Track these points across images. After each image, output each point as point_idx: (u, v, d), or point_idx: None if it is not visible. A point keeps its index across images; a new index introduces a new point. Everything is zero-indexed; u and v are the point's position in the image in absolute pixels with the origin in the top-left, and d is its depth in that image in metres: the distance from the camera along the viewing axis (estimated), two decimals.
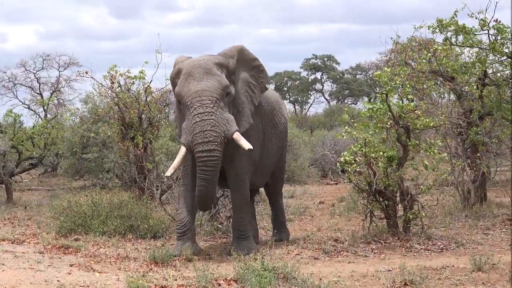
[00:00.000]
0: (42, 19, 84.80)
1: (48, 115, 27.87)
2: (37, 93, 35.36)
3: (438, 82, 14.59)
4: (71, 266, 9.18)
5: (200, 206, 10.32)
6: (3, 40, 66.02)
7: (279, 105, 11.59)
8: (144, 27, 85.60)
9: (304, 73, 56.17)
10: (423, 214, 11.19)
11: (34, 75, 35.53)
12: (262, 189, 12.74)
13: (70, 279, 8.20)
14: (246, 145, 9.73)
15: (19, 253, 10.00)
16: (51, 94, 34.24)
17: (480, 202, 13.85)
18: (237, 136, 9.79)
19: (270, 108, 11.14)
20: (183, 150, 10.00)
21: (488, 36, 13.04)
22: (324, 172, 25.12)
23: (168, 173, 10.39)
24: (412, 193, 11.23)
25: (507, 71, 13.45)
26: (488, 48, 13.06)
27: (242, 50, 10.58)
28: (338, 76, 54.75)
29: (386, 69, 11.42)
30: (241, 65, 10.50)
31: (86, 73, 16.41)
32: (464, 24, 13.10)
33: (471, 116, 13.53)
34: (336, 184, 22.34)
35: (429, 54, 13.41)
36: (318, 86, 56.21)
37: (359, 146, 11.15)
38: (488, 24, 12.87)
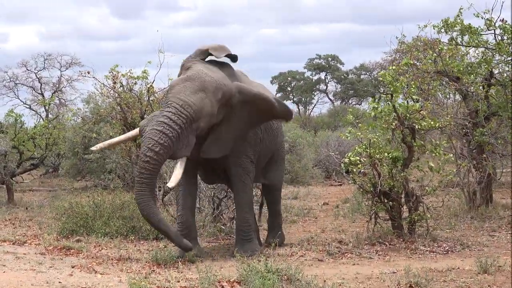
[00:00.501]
0: (43, 19, 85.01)
1: (50, 115, 27.75)
2: (39, 93, 35.32)
3: (444, 83, 14.51)
4: (72, 267, 9.11)
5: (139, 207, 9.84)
6: (4, 40, 65.98)
7: None
8: (146, 27, 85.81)
9: (308, 73, 56.18)
10: (428, 216, 11.12)
11: (36, 75, 35.52)
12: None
13: (72, 281, 8.14)
14: (171, 181, 9.38)
15: (20, 254, 9.92)
16: (53, 94, 34.15)
17: (486, 203, 13.76)
18: (178, 165, 9.48)
19: None
20: (135, 131, 9.88)
21: (494, 36, 12.98)
22: (328, 173, 25.02)
23: (94, 148, 10.28)
24: (417, 194, 11.15)
25: None
26: (494, 48, 12.97)
27: (257, 100, 10.14)
28: (342, 76, 54.71)
29: (391, 68, 11.32)
30: (243, 104, 10.07)
31: (88, 73, 16.37)
32: (469, 24, 13.03)
33: (476, 117, 13.43)
34: (340, 185, 22.24)
35: (435, 54, 13.32)
36: (322, 86, 56.22)
37: (363, 147, 11.06)
38: (494, 24, 12.80)
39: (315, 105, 55.92)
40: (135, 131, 9.91)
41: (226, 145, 10.05)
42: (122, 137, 10.32)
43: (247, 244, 10.29)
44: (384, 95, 11.36)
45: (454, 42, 13.26)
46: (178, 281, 8.18)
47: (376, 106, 11.26)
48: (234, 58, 10.43)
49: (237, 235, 10.53)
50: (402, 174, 10.93)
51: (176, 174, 9.43)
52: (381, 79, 11.30)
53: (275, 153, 11.49)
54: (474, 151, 13.88)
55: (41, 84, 35.42)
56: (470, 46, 13.40)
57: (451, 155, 11.72)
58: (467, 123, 13.67)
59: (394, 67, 11.35)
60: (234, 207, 12.37)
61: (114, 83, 15.57)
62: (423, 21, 14.27)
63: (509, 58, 13.06)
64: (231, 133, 10.03)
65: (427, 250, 10.33)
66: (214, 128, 9.91)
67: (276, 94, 53.74)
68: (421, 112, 11.07)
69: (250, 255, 9.69)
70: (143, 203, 9.29)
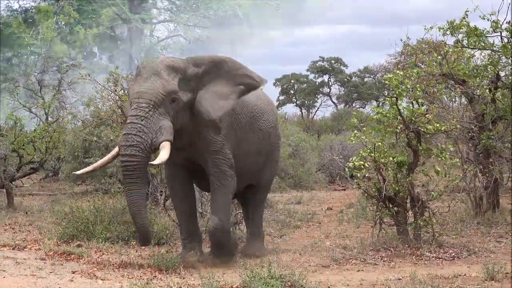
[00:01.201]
0: None
1: (50, 118, 27.67)
2: (39, 96, 35.23)
3: (449, 86, 14.40)
4: (73, 273, 9.05)
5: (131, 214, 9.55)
6: None
7: (261, 109, 10.84)
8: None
9: (311, 76, 56.08)
10: (434, 221, 11.00)
11: (35, 78, 35.43)
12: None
13: (72, 286, 8.12)
14: (157, 159, 9.10)
15: (20, 260, 9.85)
16: (53, 96, 34.07)
17: (493, 209, 13.61)
18: (162, 145, 9.15)
19: (250, 113, 10.52)
20: (115, 150, 9.62)
21: (501, 38, 12.88)
22: (332, 177, 24.87)
23: (78, 172, 10.21)
24: (423, 199, 11.03)
25: None
26: (499, 50, 12.86)
27: (220, 62, 9.89)
28: (346, 79, 54.60)
29: (399, 72, 11.19)
30: (213, 76, 9.83)
31: (89, 75, 16.28)
32: (475, 26, 12.93)
33: (483, 121, 13.30)
34: (344, 190, 22.14)
35: (440, 57, 13.21)
36: (325, 89, 56.06)
37: (368, 151, 10.95)
38: (501, 26, 12.70)
39: (318, 108, 55.76)
40: (117, 148, 9.58)
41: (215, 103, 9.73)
42: (105, 158, 10.06)
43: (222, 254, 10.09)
44: (388, 98, 11.24)
45: (459, 44, 13.17)
46: (180, 287, 8.14)
47: (380, 110, 11.17)
48: None
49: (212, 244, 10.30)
50: (407, 179, 10.81)
51: (161, 155, 9.09)
52: (387, 82, 11.17)
53: (268, 155, 11.07)
54: (480, 155, 13.73)
55: (41, 87, 35.35)
56: (475, 49, 13.29)
57: (457, 159, 11.60)
58: (473, 127, 13.53)
59: (402, 72, 11.20)
60: (236, 212, 12.21)
61: (115, 85, 15.48)
62: (426, 22, 14.21)
63: None
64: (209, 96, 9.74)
65: (433, 256, 10.20)
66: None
67: (278, 97, 53.89)
68: (426, 115, 10.97)
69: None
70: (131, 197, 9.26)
